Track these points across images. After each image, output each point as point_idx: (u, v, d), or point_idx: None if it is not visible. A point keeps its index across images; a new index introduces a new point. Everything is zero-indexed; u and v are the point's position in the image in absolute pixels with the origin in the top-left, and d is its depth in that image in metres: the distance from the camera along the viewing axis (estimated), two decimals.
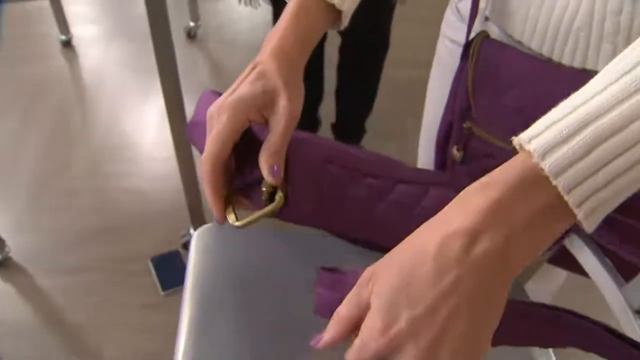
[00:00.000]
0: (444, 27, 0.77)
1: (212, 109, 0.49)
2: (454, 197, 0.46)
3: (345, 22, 0.56)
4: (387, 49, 1.64)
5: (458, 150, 0.66)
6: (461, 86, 0.64)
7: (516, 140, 0.37)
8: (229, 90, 0.50)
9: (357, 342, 0.38)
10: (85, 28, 2.44)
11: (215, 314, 0.67)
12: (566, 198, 0.35)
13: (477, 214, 0.36)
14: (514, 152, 0.38)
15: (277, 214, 0.50)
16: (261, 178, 0.49)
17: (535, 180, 0.35)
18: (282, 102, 0.49)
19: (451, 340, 0.36)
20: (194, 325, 0.66)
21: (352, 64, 1.66)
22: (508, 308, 0.38)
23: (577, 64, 0.57)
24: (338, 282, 0.44)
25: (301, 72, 0.52)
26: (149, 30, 1.19)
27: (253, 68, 0.50)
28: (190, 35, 2.39)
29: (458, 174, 0.67)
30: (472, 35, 0.64)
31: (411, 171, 0.56)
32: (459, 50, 0.66)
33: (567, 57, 0.57)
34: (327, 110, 1.87)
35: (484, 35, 0.62)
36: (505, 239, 0.35)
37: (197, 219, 1.61)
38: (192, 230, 1.65)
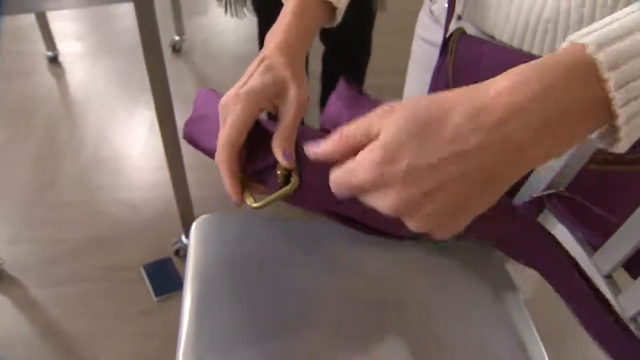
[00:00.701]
0: (418, 29, 0.83)
1: (225, 99, 0.53)
2: None
3: (339, 18, 0.61)
4: (369, 56, 1.70)
5: None
6: (441, 81, 0.69)
7: (565, 42, 0.36)
8: (240, 82, 0.53)
9: (349, 164, 0.39)
10: (71, 44, 2.47)
11: (215, 302, 0.70)
12: (612, 93, 0.34)
13: (523, 93, 0.34)
14: None
15: (291, 197, 0.54)
16: (274, 163, 0.53)
17: (589, 74, 0.34)
18: (292, 92, 0.53)
19: (437, 202, 0.36)
20: (195, 313, 0.69)
21: (336, 70, 1.72)
22: (501, 204, 0.38)
23: (545, 53, 0.63)
24: (354, 99, 0.44)
25: (303, 63, 0.56)
26: (140, 45, 1.23)
27: (261, 61, 0.54)
28: (175, 49, 2.44)
29: None
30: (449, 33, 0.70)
31: None
32: (433, 50, 0.71)
33: (537, 47, 0.63)
34: (311, 118, 1.92)
35: (461, 32, 0.68)
36: (540, 126, 0.34)
37: (189, 226, 1.64)
38: (183, 238, 1.68)
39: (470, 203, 0.37)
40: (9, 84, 2.27)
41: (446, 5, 0.70)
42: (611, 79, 0.34)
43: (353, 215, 0.64)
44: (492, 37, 0.67)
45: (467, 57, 0.67)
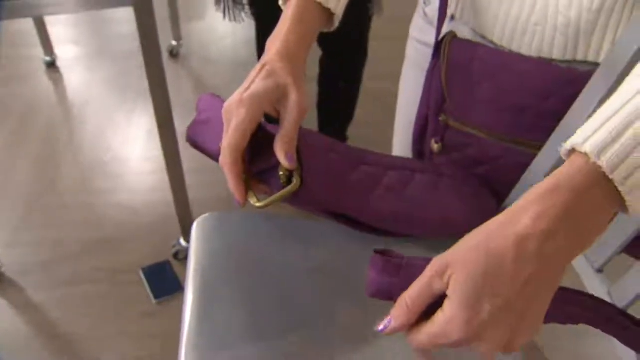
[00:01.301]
0: (413, 31, 0.85)
1: (229, 104, 0.55)
2: (438, 181, 0.52)
3: (336, 23, 0.63)
4: (366, 58, 1.72)
5: (436, 142, 0.73)
6: (434, 82, 0.71)
7: (567, 144, 0.41)
8: (243, 87, 0.55)
9: (433, 329, 0.42)
10: (69, 49, 2.48)
11: (217, 300, 0.71)
12: (620, 188, 0.39)
13: (548, 219, 0.40)
14: (492, 140, 0.43)
15: (293, 197, 0.56)
16: (276, 165, 0.55)
17: (596, 180, 0.40)
18: (293, 96, 0.55)
19: (526, 324, 0.41)
20: (197, 312, 0.70)
21: (333, 74, 1.73)
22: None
23: (533, 53, 0.65)
24: (392, 266, 0.48)
25: (304, 68, 0.58)
26: (138, 49, 1.24)
27: (262, 67, 0.56)
28: (173, 54, 2.45)
29: (438, 164, 0.74)
30: (441, 35, 0.72)
31: (397, 159, 0.63)
32: (427, 51, 0.73)
33: (525, 47, 0.65)
34: (309, 120, 1.94)
35: (452, 35, 0.70)
36: (572, 237, 0.40)
37: (187, 229, 1.66)
38: (182, 241, 1.69)
39: (545, 306, 0.42)
40: (7, 88, 2.28)
41: (436, 9, 0.72)
42: (615, 178, 0.39)
43: (351, 215, 0.65)
44: (484, 37, 0.69)
45: (459, 60, 0.69)
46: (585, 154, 0.40)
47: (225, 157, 0.54)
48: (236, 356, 0.66)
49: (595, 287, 0.57)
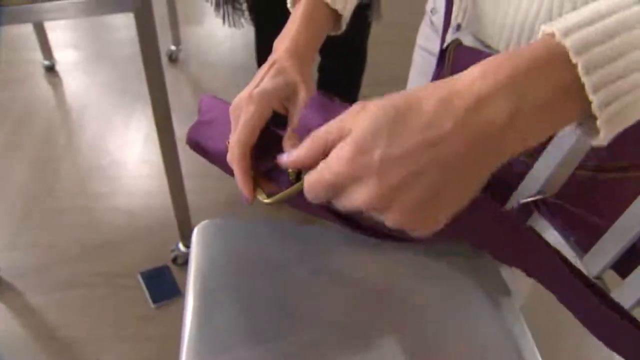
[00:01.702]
0: (419, 39, 0.85)
1: (238, 101, 0.55)
2: None
3: (344, 25, 0.64)
4: (365, 65, 1.73)
5: None
6: None
7: (543, 27, 0.36)
8: (251, 85, 0.56)
9: (321, 164, 0.39)
10: (68, 53, 2.49)
11: (218, 306, 0.71)
12: (584, 79, 0.33)
13: (489, 80, 0.34)
14: None
15: (299, 196, 0.56)
16: None
17: (558, 61, 0.34)
18: (301, 94, 0.55)
19: (413, 191, 0.35)
20: (197, 317, 0.70)
21: (333, 80, 1.74)
22: (485, 206, 0.39)
23: None
24: (325, 105, 0.46)
25: (311, 68, 0.59)
26: (136, 54, 1.25)
27: (271, 65, 0.56)
28: (172, 58, 2.46)
29: None
30: (446, 43, 0.72)
31: None
32: (432, 59, 0.74)
33: None
34: None
35: (457, 43, 0.70)
36: (514, 110, 0.34)
37: (186, 234, 1.66)
38: (180, 245, 1.70)
39: (447, 193, 0.36)
40: (5, 92, 2.29)
41: (444, 17, 0.72)
42: (579, 63, 0.33)
43: (354, 215, 0.66)
44: (489, 47, 0.70)
45: (463, 67, 0.69)
46: (553, 33, 0.34)
47: (233, 153, 0.54)
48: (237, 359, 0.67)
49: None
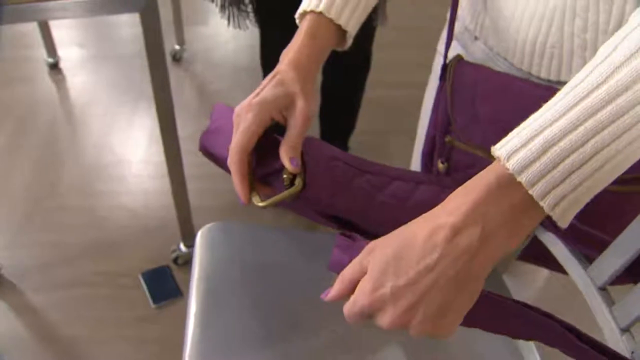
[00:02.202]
0: (439, 45, 0.86)
1: (239, 109, 0.58)
2: (441, 192, 0.53)
3: (349, 42, 0.65)
4: (369, 69, 1.72)
5: (442, 162, 0.74)
6: (441, 104, 0.72)
7: (492, 149, 0.44)
8: (253, 94, 0.58)
9: (351, 298, 0.48)
10: (72, 51, 2.49)
11: (221, 307, 0.72)
12: (530, 192, 0.41)
13: (458, 214, 0.43)
14: (493, 160, 0.45)
15: (295, 200, 0.59)
16: (280, 168, 0.58)
17: (508, 182, 0.42)
18: (300, 105, 0.58)
19: (424, 309, 0.44)
20: (200, 318, 0.70)
21: (336, 84, 1.74)
22: (482, 297, 0.46)
23: (552, 76, 0.65)
24: (350, 247, 0.52)
25: (313, 81, 0.61)
26: (140, 52, 1.25)
27: (274, 76, 0.59)
28: (176, 58, 2.46)
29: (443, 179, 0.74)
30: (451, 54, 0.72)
31: (403, 171, 0.64)
32: None
33: (544, 71, 0.66)
34: (311, 130, 1.94)
35: (458, 58, 0.71)
36: (481, 233, 0.43)
37: (187, 235, 1.66)
38: (182, 246, 1.70)
39: (454, 304, 0.44)
40: (9, 90, 2.29)
41: (467, 25, 0.72)
42: (523, 180, 0.41)
43: (352, 219, 0.66)
44: (505, 59, 0.70)
45: (464, 83, 0.70)
46: (499, 158, 0.43)
47: (231, 157, 0.57)
48: None
49: (599, 302, 0.57)
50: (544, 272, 1.04)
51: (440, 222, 0.44)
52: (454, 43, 0.79)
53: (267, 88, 0.58)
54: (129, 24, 2.58)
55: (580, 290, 0.59)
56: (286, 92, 0.58)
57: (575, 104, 0.41)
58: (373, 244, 0.48)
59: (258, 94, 0.58)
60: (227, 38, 2.60)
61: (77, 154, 2.03)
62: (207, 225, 0.79)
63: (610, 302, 0.57)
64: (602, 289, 0.58)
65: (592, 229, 0.60)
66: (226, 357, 0.68)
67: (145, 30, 1.21)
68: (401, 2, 1.48)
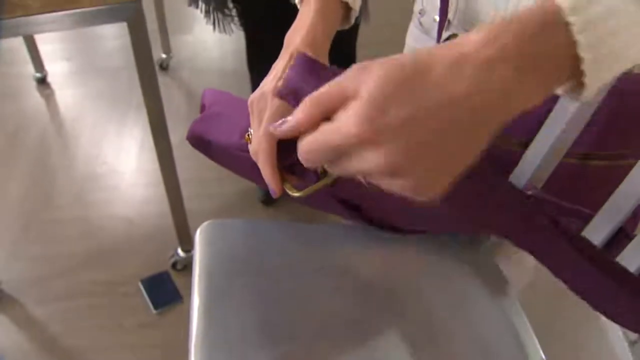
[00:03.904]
0: (408, 39, 0.88)
1: (260, 94, 0.55)
2: None
3: (353, 19, 0.66)
4: None
5: None
6: None
7: None
8: (272, 78, 0.56)
9: (324, 126, 0.37)
10: (59, 65, 2.49)
11: (223, 302, 0.73)
12: (577, 37, 0.35)
13: (497, 44, 0.35)
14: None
15: (333, 185, 0.54)
16: None
17: (555, 21, 0.36)
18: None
19: (434, 152, 0.35)
20: (203, 315, 0.71)
21: None
22: (480, 173, 0.39)
23: None
24: (315, 70, 0.44)
25: (327, 59, 0.60)
26: (126, 63, 1.27)
27: (290, 58, 0.57)
28: (163, 66, 2.47)
29: None
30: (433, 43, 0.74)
31: None
32: None
33: None
34: None
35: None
36: (516, 71, 0.35)
37: (185, 239, 1.68)
38: (179, 251, 1.71)
39: (457, 153, 0.36)
40: None
41: (437, 17, 0.75)
42: (574, 22, 0.35)
43: (370, 205, 0.66)
44: None
45: None
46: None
47: (260, 146, 0.54)
48: (244, 358, 0.68)
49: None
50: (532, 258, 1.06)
51: (472, 50, 0.36)
52: (424, 37, 0.81)
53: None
54: (114, 36, 2.59)
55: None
56: None
57: None
58: (361, 64, 0.37)
59: (279, 78, 0.55)
60: (212, 44, 2.62)
61: (70, 166, 2.04)
62: (205, 223, 0.81)
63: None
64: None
65: (574, 204, 0.63)
66: (232, 352, 0.70)
67: (133, 39, 1.22)
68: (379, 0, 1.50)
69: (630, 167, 0.57)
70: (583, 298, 0.60)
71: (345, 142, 0.35)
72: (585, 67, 0.36)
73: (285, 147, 0.56)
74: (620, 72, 0.38)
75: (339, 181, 0.52)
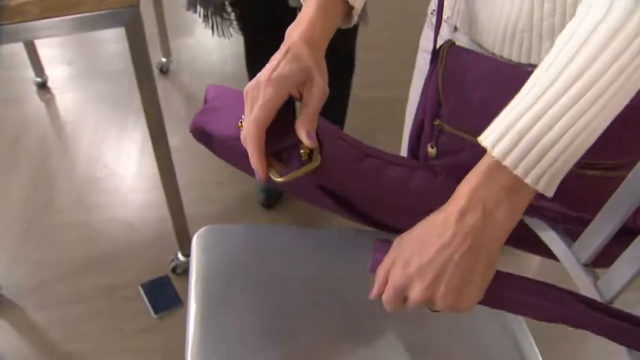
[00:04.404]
0: (422, 41, 0.88)
1: (255, 84, 0.58)
2: (432, 178, 0.56)
3: (355, 18, 0.66)
4: (354, 69, 1.75)
5: (432, 147, 0.76)
6: (431, 88, 0.74)
7: (479, 139, 0.51)
8: (268, 69, 0.58)
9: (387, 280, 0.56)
10: (59, 69, 2.50)
11: (219, 308, 0.73)
12: (515, 172, 0.48)
13: (463, 199, 0.52)
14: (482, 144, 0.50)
15: (314, 173, 0.58)
16: (295, 144, 0.58)
17: (496, 167, 0.50)
18: (316, 81, 0.58)
19: (447, 281, 0.51)
20: (200, 320, 0.72)
21: None
22: (501, 274, 0.53)
23: (523, 59, 0.68)
24: (386, 249, 0.58)
25: (324, 57, 0.61)
26: (126, 67, 1.27)
27: (287, 51, 0.59)
28: (163, 70, 2.48)
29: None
30: (440, 43, 0.74)
31: (397, 156, 0.67)
32: None
33: (515, 54, 0.68)
34: None
35: (450, 43, 0.73)
36: (483, 212, 0.51)
37: (184, 244, 1.68)
38: (179, 255, 1.71)
39: (472, 275, 0.52)
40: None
41: (436, 17, 0.75)
42: (507, 164, 0.49)
43: (359, 202, 0.68)
44: (480, 46, 0.72)
45: (455, 67, 0.72)
46: (485, 146, 0.50)
47: (250, 132, 0.56)
48: None
49: (583, 281, 0.59)
50: (536, 260, 1.06)
51: (450, 209, 0.52)
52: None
53: (283, 63, 0.58)
54: (114, 40, 2.59)
55: (566, 267, 0.61)
56: (302, 68, 0.58)
57: (542, 95, 0.48)
58: (399, 237, 0.57)
59: (274, 68, 0.58)
60: (213, 48, 2.62)
61: (70, 171, 2.04)
62: (203, 229, 0.81)
63: (595, 277, 0.59)
64: (586, 265, 0.60)
65: (575, 211, 0.63)
66: (229, 358, 0.70)
67: (131, 44, 1.22)
68: (378, 3, 1.50)
69: (622, 179, 0.57)
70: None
71: (395, 289, 0.55)
72: (540, 189, 0.50)
73: (273, 135, 0.58)
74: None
75: (320, 169, 0.58)
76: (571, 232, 0.64)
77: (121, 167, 2.06)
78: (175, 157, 1.48)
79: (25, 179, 2.01)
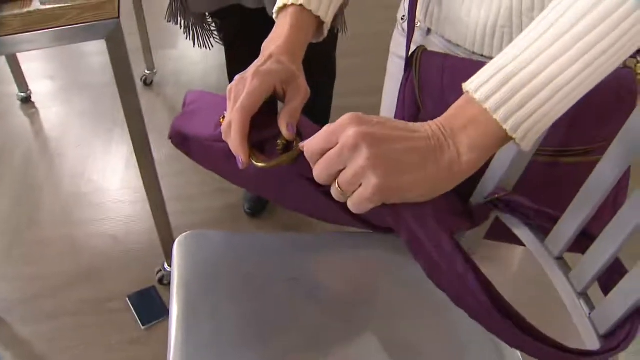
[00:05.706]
0: (392, 46, 0.90)
1: (241, 77, 0.60)
2: None
3: (325, 32, 0.69)
4: (334, 78, 1.76)
5: None
6: (408, 94, 0.76)
7: (463, 85, 0.50)
8: (253, 66, 0.61)
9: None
10: (43, 83, 2.50)
11: (201, 312, 0.73)
12: (494, 117, 0.47)
13: (436, 128, 0.50)
14: None
15: (293, 162, 0.60)
16: (276, 134, 0.60)
17: (477, 109, 0.49)
18: (300, 80, 0.61)
19: (386, 150, 0.48)
20: (182, 325, 0.72)
21: None
22: (420, 208, 0.50)
23: None
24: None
25: (301, 68, 0.64)
26: (110, 80, 1.27)
27: (269, 57, 0.62)
28: (147, 83, 2.48)
29: None
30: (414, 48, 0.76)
31: None
32: (404, 65, 0.78)
33: (496, 51, 0.70)
34: None
35: (422, 49, 0.74)
36: (450, 132, 0.49)
37: (170, 254, 1.67)
38: (166, 266, 1.71)
39: (410, 172, 0.48)
40: None
41: (418, 23, 0.76)
42: (487, 107, 0.48)
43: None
44: (458, 46, 0.74)
45: (431, 71, 0.73)
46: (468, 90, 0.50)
47: (235, 117, 0.58)
48: None
49: (555, 274, 0.61)
50: (517, 257, 1.08)
51: (421, 130, 0.50)
52: (405, 42, 0.83)
53: (269, 63, 0.61)
54: (97, 53, 2.60)
55: (539, 261, 0.63)
56: (286, 68, 0.61)
57: (530, 45, 0.48)
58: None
59: (260, 66, 0.60)
60: (196, 60, 2.63)
61: (55, 185, 2.03)
62: (183, 235, 0.82)
63: (567, 270, 0.61)
64: (559, 259, 0.61)
65: (545, 205, 0.64)
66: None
67: (112, 57, 1.23)
68: (349, 11, 1.52)
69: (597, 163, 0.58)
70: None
71: (343, 147, 0.49)
72: (517, 138, 0.48)
73: (256, 128, 0.60)
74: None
75: (301, 160, 0.58)
76: (545, 229, 0.65)
77: (107, 180, 2.05)
78: (160, 169, 1.48)
79: (9, 193, 2.00)
